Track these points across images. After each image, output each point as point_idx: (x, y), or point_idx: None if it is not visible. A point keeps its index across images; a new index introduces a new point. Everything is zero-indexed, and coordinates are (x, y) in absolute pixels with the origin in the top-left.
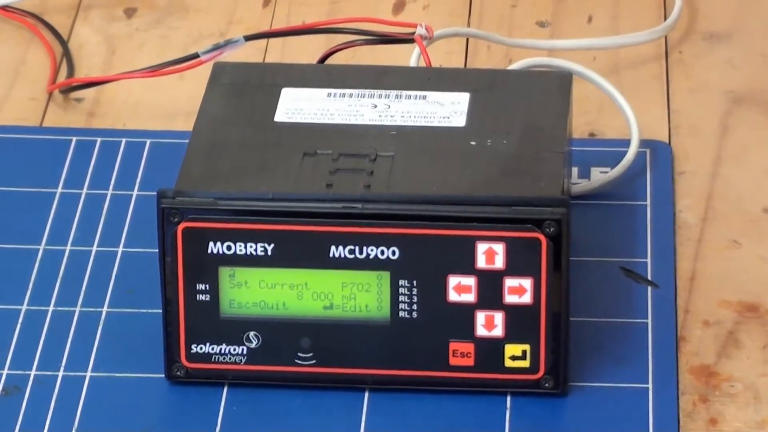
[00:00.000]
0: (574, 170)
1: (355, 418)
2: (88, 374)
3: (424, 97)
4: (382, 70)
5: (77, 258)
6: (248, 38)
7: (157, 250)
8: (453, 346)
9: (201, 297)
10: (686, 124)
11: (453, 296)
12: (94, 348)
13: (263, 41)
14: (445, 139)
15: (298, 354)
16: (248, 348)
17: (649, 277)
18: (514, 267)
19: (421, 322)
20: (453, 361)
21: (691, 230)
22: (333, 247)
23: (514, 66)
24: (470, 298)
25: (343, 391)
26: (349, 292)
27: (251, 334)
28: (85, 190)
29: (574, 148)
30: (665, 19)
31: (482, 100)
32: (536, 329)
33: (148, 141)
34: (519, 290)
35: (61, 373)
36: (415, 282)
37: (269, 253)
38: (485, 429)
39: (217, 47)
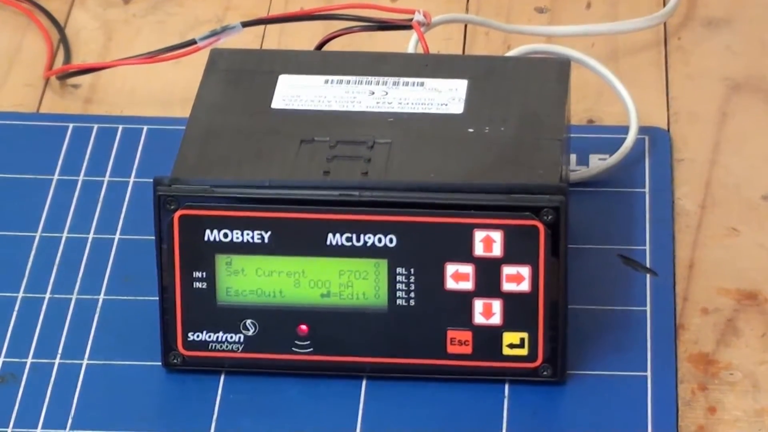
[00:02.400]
0: (573, 157)
1: (353, 405)
2: (85, 362)
3: (422, 84)
4: (379, 56)
5: (74, 245)
6: (245, 24)
7: (153, 238)
8: (451, 334)
9: (198, 284)
10: (685, 111)
11: (451, 284)
12: (91, 335)
13: (260, 27)
14: (443, 126)
15: (296, 342)
16: (245, 336)
17: (648, 265)
18: (512, 255)
19: (419, 310)
20: (451, 349)
21: (689, 218)
22: (330, 235)
23: (512, 52)
24: (468, 285)
25: (340, 379)
26: (347, 280)
27: (248, 321)
28: (81, 177)
29: (572, 135)
30: (664, 5)
31: (480, 87)
32: (534, 317)
33: (145, 127)
34: (517, 278)
35: (57, 361)
36: (412, 270)
37: (266, 240)
38: (483, 417)
39: (214, 33)
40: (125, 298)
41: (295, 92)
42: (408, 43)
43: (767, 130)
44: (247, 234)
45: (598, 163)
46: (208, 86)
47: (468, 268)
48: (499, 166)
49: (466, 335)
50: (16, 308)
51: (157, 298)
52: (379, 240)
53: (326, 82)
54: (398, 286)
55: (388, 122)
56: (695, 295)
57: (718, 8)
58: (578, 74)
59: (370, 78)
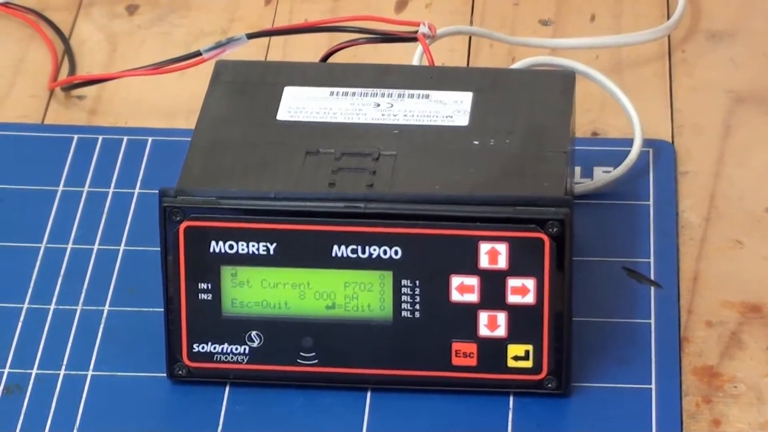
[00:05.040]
0: (577, 170)
1: (358, 418)
2: (90, 373)
3: (427, 96)
4: (384, 68)
5: (79, 256)
6: (250, 36)
7: (158, 249)
8: (456, 346)
9: (203, 296)
10: (689, 124)
11: (456, 296)
12: (96, 347)
13: (265, 39)
14: (448, 138)
15: (301, 353)
16: (250, 347)
17: (652, 277)
18: (517, 267)
19: (424, 322)
20: (456, 361)
21: (694, 230)
22: (335, 247)
23: (516, 65)
24: (473, 298)
25: (345, 391)
26: (352, 292)
27: (253, 333)
28: (86, 188)
29: (576, 148)
30: (668, 17)
31: (485, 99)
32: (539, 329)
33: (150, 139)
34: (522, 290)
35: (62, 372)
36: (417, 282)
37: (271, 252)
38: (488, 429)
39: (219, 45)
40: (130, 309)
41: (300, 104)
42: (413, 55)
43: None
44: (253, 245)
45: (602, 175)
46: (213, 98)
47: (473, 281)
48: (504, 179)
49: (471, 347)
50: (21, 319)
51: (162, 310)
52: (384, 252)
53: (331, 94)
54: (403, 298)
55: (393, 134)
56: (699, 308)
57: (722, 21)
58: (582, 86)
59: (375, 90)
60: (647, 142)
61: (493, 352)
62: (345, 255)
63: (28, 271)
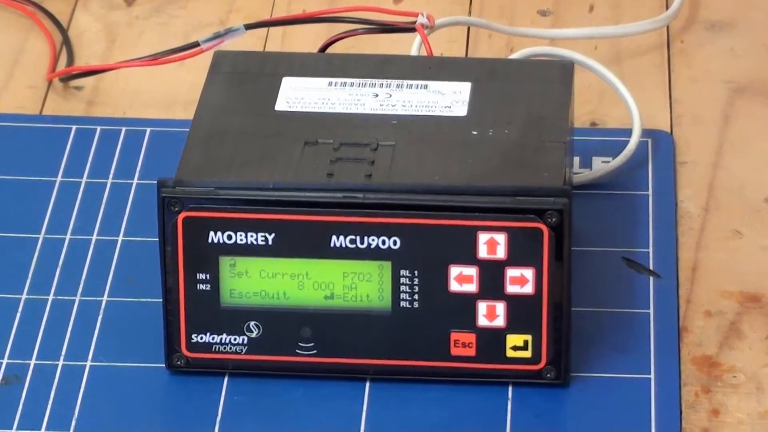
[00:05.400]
0: (576, 160)
1: (356, 408)
2: (88, 363)
3: (426, 87)
4: (383, 59)
5: (77, 247)
6: (249, 27)
7: (157, 239)
8: (454, 336)
9: (201, 286)
10: (688, 114)
11: (454, 286)
12: (94, 337)
13: (264, 30)
14: (447, 128)
15: (299, 344)
16: (249, 338)
17: (651, 267)
18: (515, 257)
19: (423, 312)
20: (454, 351)
21: (692, 220)
22: (334, 237)
23: (515, 55)
24: (472, 288)
25: (344, 381)
26: (350, 282)
27: (252, 323)
28: (84, 179)
29: (575, 138)
30: (667, 8)
31: (484, 90)
32: (538, 319)
33: (148, 129)
34: (521, 280)
35: (61, 363)
36: (416, 272)
37: (270, 242)
38: (487, 419)
39: (217, 36)
40: (129, 299)
41: (298, 94)
42: (411, 45)
43: None
44: (251, 236)
45: (601, 165)
46: (211, 88)
47: (472, 271)
48: (502, 169)
49: (470, 337)
50: (20, 310)
51: (161, 300)
52: (383, 242)
53: (330, 84)
54: (402, 288)
55: (391, 124)
56: (698, 298)
57: (721, 11)
58: (581, 77)
59: (373, 80)
60: (646, 133)
61: (491, 342)
62: (343, 245)
63: (26, 262)
